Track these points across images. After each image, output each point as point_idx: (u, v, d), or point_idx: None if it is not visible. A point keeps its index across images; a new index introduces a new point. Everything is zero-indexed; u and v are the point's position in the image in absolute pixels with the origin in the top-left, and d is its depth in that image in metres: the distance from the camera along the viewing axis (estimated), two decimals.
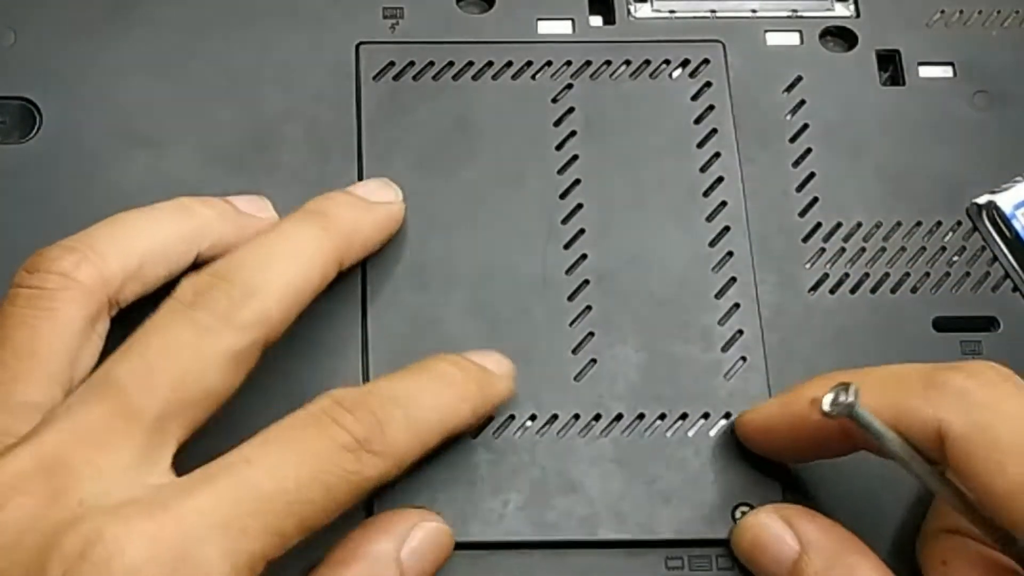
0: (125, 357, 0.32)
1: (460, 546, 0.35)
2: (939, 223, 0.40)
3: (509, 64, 0.42)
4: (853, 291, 0.39)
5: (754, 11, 0.43)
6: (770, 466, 0.37)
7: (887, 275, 0.40)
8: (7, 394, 0.32)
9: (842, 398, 0.31)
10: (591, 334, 0.38)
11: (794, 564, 0.33)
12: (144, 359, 0.32)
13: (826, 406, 0.31)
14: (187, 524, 0.29)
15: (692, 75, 0.42)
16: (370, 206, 0.38)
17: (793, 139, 0.41)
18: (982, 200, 0.41)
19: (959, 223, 0.41)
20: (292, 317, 0.34)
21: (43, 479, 0.29)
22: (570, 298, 0.38)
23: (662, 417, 0.37)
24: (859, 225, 0.40)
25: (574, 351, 0.38)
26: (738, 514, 0.36)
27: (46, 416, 0.31)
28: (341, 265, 0.36)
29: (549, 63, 0.42)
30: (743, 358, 0.38)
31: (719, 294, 0.39)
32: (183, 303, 0.33)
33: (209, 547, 0.29)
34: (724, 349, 0.38)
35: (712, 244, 0.39)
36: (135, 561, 0.28)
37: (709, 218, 0.40)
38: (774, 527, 0.34)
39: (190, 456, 0.32)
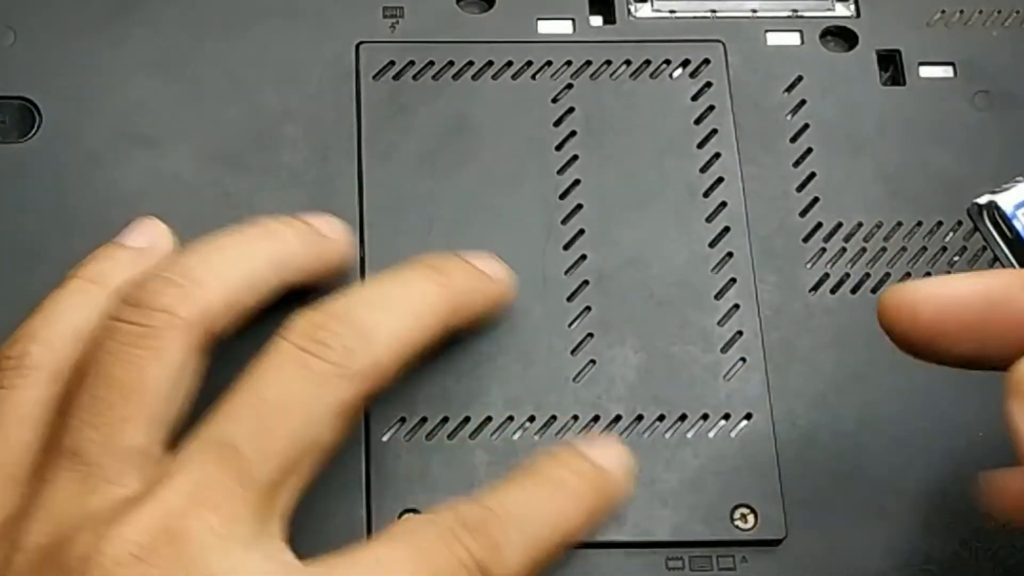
0: (239, 413, 0.31)
1: None
2: (940, 223, 0.40)
3: (509, 64, 0.42)
4: (854, 291, 0.39)
5: (754, 11, 0.43)
6: (769, 467, 0.37)
7: (888, 275, 0.40)
8: (114, 437, 0.31)
9: None
10: (590, 335, 0.38)
11: None
12: (259, 418, 0.31)
13: None
14: None
15: (692, 75, 0.42)
16: (484, 277, 0.37)
17: (793, 139, 0.41)
18: (983, 200, 0.40)
19: (960, 223, 0.40)
20: (400, 370, 0.34)
21: (167, 548, 0.29)
22: (569, 299, 0.38)
23: (661, 418, 0.37)
24: (860, 225, 0.40)
25: (573, 352, 0.38)
26: (736, 515, 0.36)
27: (160, 473, 0.31)
28: (447, 328, 0.35)
29: (549, 63, 0.42)
30: (742, 359, 0.38)
31: (719, 295, 0.39)
32: (296, 346, 0.32)
33: None
34: (723, 350, 0.38)
35: (712, 245, 0.39)
36: None
37: (709, 218, 0.40)
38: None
39: None
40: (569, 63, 0.42)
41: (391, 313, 0.34)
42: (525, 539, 0.33)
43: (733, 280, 0.39)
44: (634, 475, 0.35)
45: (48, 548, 0.30)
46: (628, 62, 0.42)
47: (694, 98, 0.41)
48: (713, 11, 0.43)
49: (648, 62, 0.42)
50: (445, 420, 0.37)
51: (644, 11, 0.43)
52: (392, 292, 0.35)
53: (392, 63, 0.41)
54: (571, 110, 0.41)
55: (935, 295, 0.30)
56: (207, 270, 0.34)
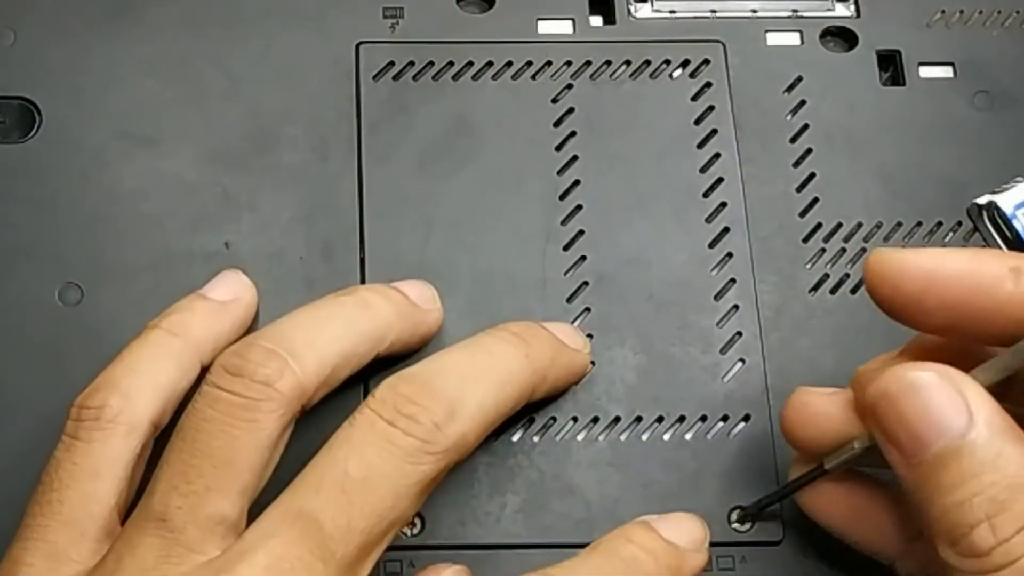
0: (323, 487, 0.31)
1: (458, 547, 0.36)
2: (939, 223, 0.40)
3: (509, 64, 0.41)
4: (854, 291, 0.39)
5: (754, 11, 0.43)
6: (767, 469, 0.37)
7: None
8: (199, 505, 0.31)
9: None
10: (589, 336, 0.38)
11: (959, 438, 0.28)
12: (344, 493, 0.31)
13: None
14: None
15: (692, 75, 0.42)
16: (565, 348, 0.36)
17: (793, 139, 0.41)
18: (983, 200, 0.40)
19: (959, 223, 0.40)
20: (479, 442, 0.34)
21: None
22: (569, 300, 0.38)
23: (660, 420, 0.37)
24: (859, 225, 0.40)
25: None
26: (734, 517, 0.36)
27: (242, 545, 0.31)
28: (529, 399, 0.35)
29: (549, 63, 0.42)
30: (741, 360, 0.38)
31: (718, 296, 0.39)
32: (383, 420, 0.32)
33: None
34: (723, 351, 0.38)
35: (712, 245, 0.39)
36: None
37: (709, 219, 0.40)
38: (945, 389, 0.29)
39: None
40: (569, 63, 0.42)
41: (479, 385, 0.33)
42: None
43: (733, 281, 0.39)
44: (707, 547, 0.35)
45: None
46: (628, 62, 0.42)
47: (694, 98, 0.41)
48: (713, 11, 0.43)
49: (648, 62, 0.42)
50: None
51: (644, 11, 0.43)
52: (479, 362, 0.34)
53: (392, 63, 0.41)
54: (571, 110, 0.41)
55: (922, 268, 0.30)
56: (308, 344, 0.34)
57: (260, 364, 0.33)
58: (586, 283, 0.39)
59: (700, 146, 0.41)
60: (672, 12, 0.43)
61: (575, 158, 0.40)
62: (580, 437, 0.37)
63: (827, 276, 0.40)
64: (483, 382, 0.33)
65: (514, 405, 0.34)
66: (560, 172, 0.40)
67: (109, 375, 0.34)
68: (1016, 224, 0.40)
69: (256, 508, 0.32)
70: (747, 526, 0.36)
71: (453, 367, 0.34)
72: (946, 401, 0.28)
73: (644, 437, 0.37)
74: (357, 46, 0.42)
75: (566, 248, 0.39)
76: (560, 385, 0.37)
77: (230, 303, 0.36)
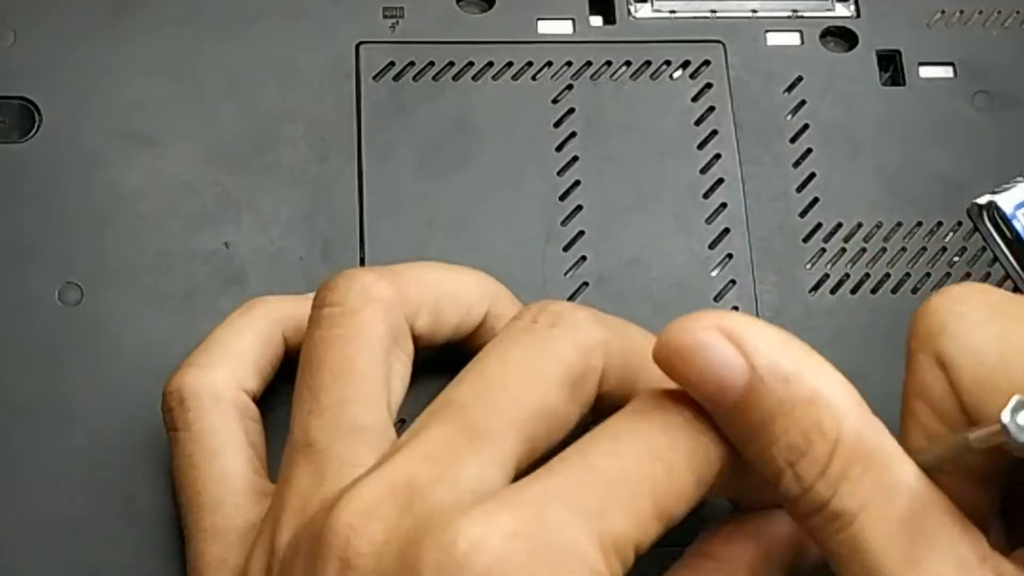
0: (465, 379, 0.31)
1: None
2: (940, 223, 0.40)
3: (509, 64, 0.42)
4: (854, 291, 0.39)
5: (754, 11, 0.43)
6: None
7: (888, 275, 0.40)
8: (338, 417, 0.31)
9: None
10: None
11: (745, 391, 0.27)
12: (483, 377, 0.31)
13: (1018, 434, 0.24)
14: (545, 512, 0.27)
15: (693, 76, 0.42)
16: None
17: (793, 139, 0.41)
18: (983, 200, 0.40)
19: (960, 223, 0.41)
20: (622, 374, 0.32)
21: (393, 502, 0.28)
22: (569, 300, 0.38)
23: None
24: (860, 225, 0.40)
25: None
26: None
27: (393, 446, 0.30)
28: None
29: (549, 63, 0.42)
30: None
31: (718, 296, 0.39)
32: (523, 322, 0.31)
33: (572, 531, 0.27)
34: None
35: (712, 246, 0.39)
36: (500, 555, 0.26)
37: (709, 220, 0.40)
38: (718, 343, 0.27)
39: None
40: (569, 63, 0.42)
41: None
42: None
43: (733, 282, 0.39)
44: None
45: (298, 539, 0.30)
46: (628, 63, 0.42)
47: (694, 99, 0.41)
48: (713, 11, 0.43)
49: (648, 63, 0.42)
50: None
51: (644, 11, 0.43)
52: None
53: (392, 63, 0.41)
54: (571, 111, 0.41)
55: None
56: (407, 269, 0.35)
57: (354, 276, 0.33)
58: (586, 284, 0.39)
59: (700, 147, 0.41)
60: (672, 12, 0.43)
61: (575, 159, 0.40)
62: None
63: (827, 276, 0.40)
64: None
65: None
66: (560, 173, 0.40)
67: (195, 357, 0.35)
68: (1016, 224, 0.40)
69: None
70: None
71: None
72: (723, 354, 0.27)
73: None
74: (357, 46, 0.42)
75: (566, 249, 0.39)
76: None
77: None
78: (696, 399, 0.28)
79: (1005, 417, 0.24)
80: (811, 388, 0.27)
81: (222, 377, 0.34)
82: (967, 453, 0.27)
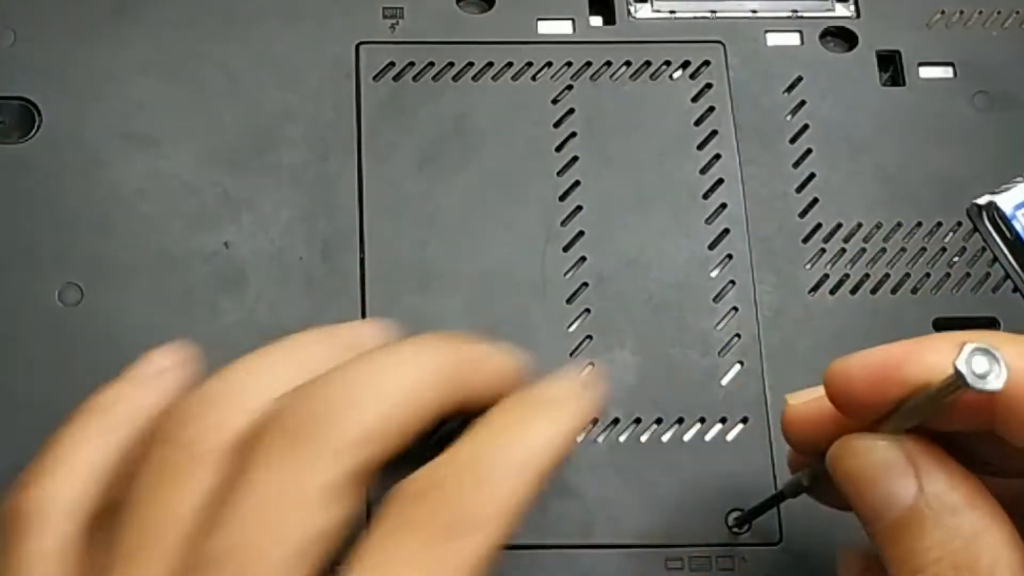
0: (228, 519, 0.30)
1: None
2: (939, 224, 0.40)
3: (509, 64, 0.41)
4: (853, 292, 0.39)
5: (754, 11, 0.43)
6: (765, 470, 0.37)
7: (887, 276, 0.40)
8: None
9: (986, 366, 0.25)
10: (589, 337, 0.38)
11: (908, 510, 0.28)
12: (248, 518, 0.29)
13: (969, 376, 0.25)
14: None
15: (692, 76, 0.42)
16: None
17: (793, 140, 0.41)
18: (982, 201, 0.40)
19: (959, 224, 0.41)
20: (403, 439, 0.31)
21: None
22: (568, 301, 0.38)
23: (658, 422, 0.37)
24: (859, 226, 0.40)
25: (571, 354, 0.38)
26: (731, 520, 0.36)
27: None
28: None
29: (549, 64, 0.42)
30: (740, 362, 0.38)
31: (717, 297, 0.39)
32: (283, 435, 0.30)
33: None
34: (721, 353, 0.38)
35: (711, 247, 0.39)
36: None
37: (709, 220, 0.40)
38: (893, 462, 0.28)
39: None
40: (569, 64, 0.42)
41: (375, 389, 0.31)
42: None
43: (732, 282, 0.39)
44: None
45: None
46: (628, 63, 0.42)
47: (694, 99, 0.41)
48: (713, 11, 0.43)
49: (648, 63, 0.42)
50: (444, 421, 0.37)
51: (644, 11, 0.43)
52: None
53: (392, 64, 0.41)
54: (571, 111, 0.41)
55: (873, 363, 0.29)
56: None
57: (204, 414, 0.31)
58: (586, 284, 0.39)
59: (700, 147, 0.41)
60: (672, 12, 0.43)
61: (575, 159, 0.40)
62: (579, 438, 0.37)
63: (827, 276, 0.40)
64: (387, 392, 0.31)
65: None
66: (560, 173, 0.40)
67: (32, 470, 0.33)
68: (1016, 224, 0.40)
69: None
70: (745, 528, 0.36)
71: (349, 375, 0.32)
72: (894, 472, 0.28)
73: (643, 439, 0.37)
74: (357, 46, 0.42)
75: (566, 249, 0.39)
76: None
77: (162, 373, 0.35)
78: (853, 501, 0.29)
79: (960, 365, 0.25)
80: (978, 525, 0.27)
81: (66, 499, 0.32)
82: (930, 410, 0.27)
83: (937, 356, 0.27)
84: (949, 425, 0.28)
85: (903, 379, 0.28)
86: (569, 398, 0.33)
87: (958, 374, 0.25)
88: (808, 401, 0.31)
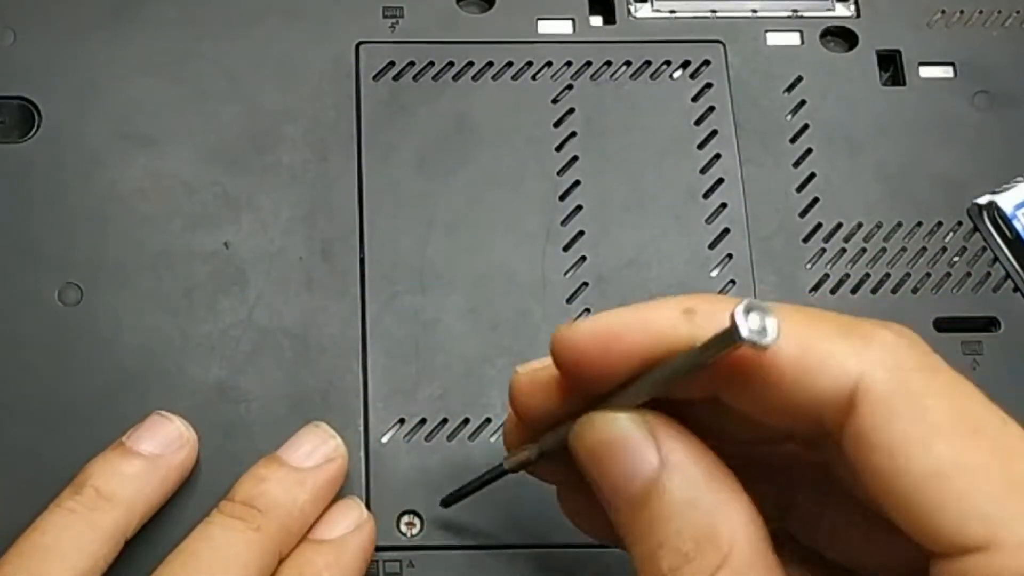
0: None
1: (458, 547, 0.36)
2: (940, 223, 0.40)
3: (509, 64, 0.41)
4: (854, 291, 0.40)
5: (754, 11, 0.43)
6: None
7: (888, 275, 0.40)
8: None
9: (759, 323, 0.25)
10: None
11: (649, 483, 0.27)
12: None
13: (745, 330, 0.25)
14: None
15: (692, 76, 0.42)
16: (305, 483, 0.35)
17: (793, 139, 0.41)
18: (983, 200, 0.40)
19: (960, 223, 0.41)
20: None
21: None
22: (569, 300, 0.39)
23: None
24: (860, 225, 0.40)
25: None
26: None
27: None
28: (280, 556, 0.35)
29: (549, 63, 0.42)
30: None
31: None
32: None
33: None
34: None
35: (712, 246, 0.39)
36: None
37: (709, 220, 0.40)
38: (635, 434, 0.28)
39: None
40: (569, 63, 0.42)
41: None
42: None
43: (732, 282, 0.39)
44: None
45: None
46: (628, 63, 0.42)
47: (694, 99, 0.41)
48: (713, 11, 0.43)
49: (648, 63, 0.42)
50: (444, 422, 0.37)
51: (644, 11, 0.43)
52: (202, 562, 0.34)
53: (392, 63, 0.41)
54: (571, 111, 0.41)
55: (600, 330, 0.28)
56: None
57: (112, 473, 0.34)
58: (586, 284, 0.39)
59: (700, 147, 0.41)
60: (672, 12, 0.43)
61: (575, 159, 0.40)
62: None
63: (827, 276, 0.40)
64: None
65: None
66: (560, 173, 0.40)
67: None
68: (1016, 224, 0.40)
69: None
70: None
71: None
72: (637, 446, 0.27)
73: None
74: (357, 46, 0.42)
75: (566, 249, 0.39)
76: (320, 507, 0.35)
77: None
78: (596, 476, 0.28)
79: (738, 315, 0.25)
80: (717, 499, 0.27)
81: None
82: (698, 366, 0.26)
83: (663, 322, 0.27)
84: (682, 392, 0.28)
85: (629, 345, 0.27)
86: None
87: (734, 329, 0.25)
88: (537, 370, 0.30)
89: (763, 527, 0.27)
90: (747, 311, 0.25)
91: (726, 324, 0.25)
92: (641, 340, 0.27)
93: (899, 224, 0.40)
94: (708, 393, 0.27)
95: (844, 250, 0.40)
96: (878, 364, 0.26)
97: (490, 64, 0.41)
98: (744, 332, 0.24)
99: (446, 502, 0.36)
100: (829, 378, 0.26)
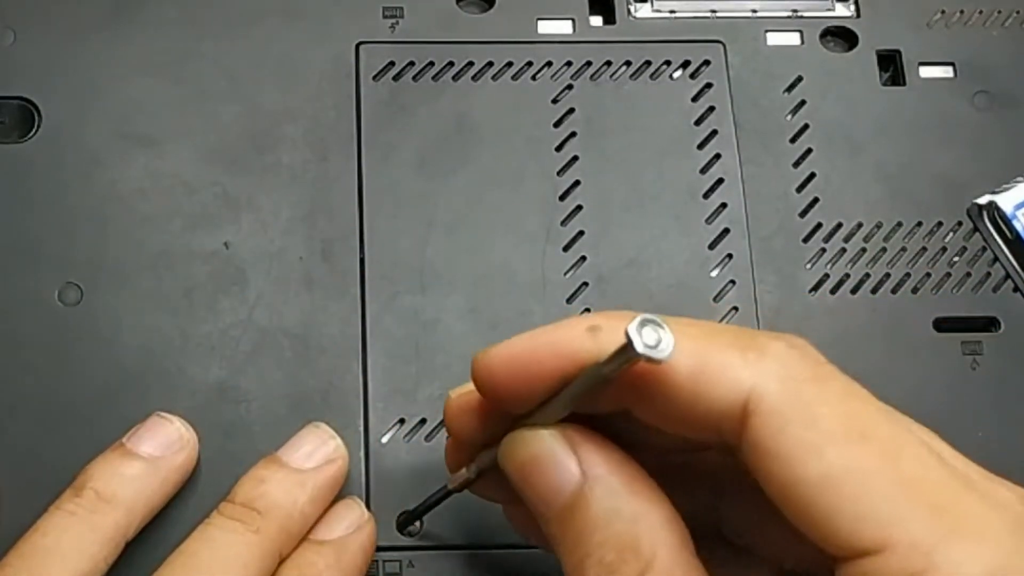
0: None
1: (458, 547, 0.36)
2: (940, 223, 0.40)
3: (509, 64, 0.41)
4: (854, 291, 0.39)
5: (754, 11, 0.43)
6: None
7: (888, 275, 0.40)
8: None
9: (655, 337, 0.26)
10: None
11: (573, 496, 0.28)
12: None
13: (640, 345, 0.25)
14: None
15: (692, 76, 0.42)
16: (306, 484, 0.35)
17: (793, 139, 0.41)
18: (983, 200, 0.40)
19: (960, 223, 0.41)
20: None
21: None
22: (569, 300, 0.39)
23: None
24: (860, 225, 0.40)
25: None
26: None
27: None
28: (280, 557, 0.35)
29: (549, 63, 0.42)
30: None
31: (717, 297, 0.39)
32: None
33: None
34: None
35: (712, 246, 0.39)
36: None
37: (709, 220, 0.40)
38: (556, 450, 0.29)
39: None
40: (569, 63, 0.42)
41: None
42: None
43: (733, 282, 0.39)
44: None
45: None
46: (628, 63, 0.42)
47: (694, 99, 0.41)
48: (713, 11, 0.43)
49: (648, 63, 0.42)
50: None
51: (644, 11, 0.43)
52: (202, 562, 0.34)
53: (392, 63, 0.41)
54: (571, 111, 0.41)
55: (511, 353, 0.29)
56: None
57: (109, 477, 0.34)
58: (586, 284, 0.39)
59: (700, 147, 0.41)
60: (672, 12, 0.43)
61: (575, 159, 0.40)
62: None
63: (827, 276, 0.40)
64: None
65: None
66: (560, 173, 0.40)
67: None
68: (1016, 224, 0.40)
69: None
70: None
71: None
72: (559, 460, 0.28)
73: None
74: (357, 46, 0.42)
75: (566, 249, 0.39)
76: (320, 509, 0.36)
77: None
78: (524, 493, 0.29)
79: (632, 331, 0.25)
80: (638, 508, 0.27)
81: None
82: (603, 382, 0.27)
83: (571, 341, 0.28)
84: (595, 407, 0.28)
85: (540, 366, 0.28)
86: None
87: (629, 344, 0.25)
88: (466, 393, 0.31)
89: (684, 533, 0.27)
90: (642, 326, 0.25)
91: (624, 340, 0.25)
92: (552, 360, 0.28)
93: (899, 224, 0.40)
94: (619, 407, 0.28)
95: (844, 250, 0.40)
96: (770, 375, 0.26)
97: (490, 64, 0.41)
98: (639, 347, 0.25)
99: (401, 524, 0.36)
100: (723, 390, 0.26)
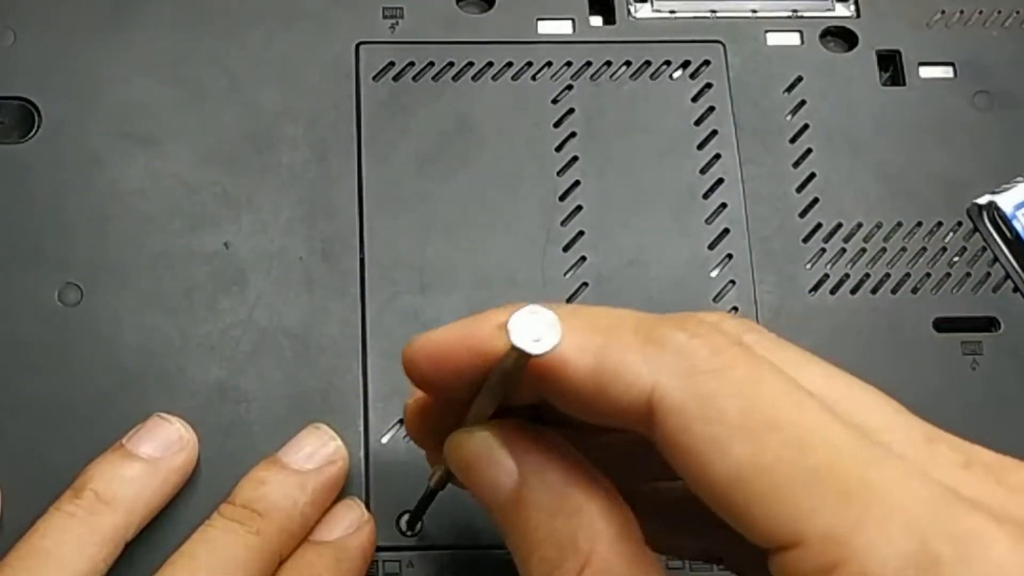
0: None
1: (458, 547, 0.36)
2: (940, 223, 0.40)
3: (509, 64, 0.41)
4: (854, 292, 0.39)
5: (754, 11, 0.43)
6: None
7: (888, 275, 0.40)
8: None
9: (538, 332, 0.25)
10: None
11: (513, 494, 0.28)
12: None
13: (517, 338, 0.25)
14: None
15: (692, 76, 0.42)
16: (305, 486, 0.35)
17: (793, 140, 0.41)
18: (983, 200, 0.40)
19: (960, 223, 0.41)
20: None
21: None
22: (569, 301, 0.39)
23: None
24: (859, 225, 0.40)
25: None
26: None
27: None
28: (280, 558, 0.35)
29: (549, 63, 0.42)
30: None
31: (717, 297, 0.39)
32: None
33: None
34: None
35: (711, 246, 0.39)
36: None
37: (709, 220, 0.40)
38: (491, 449, 0.28)
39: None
40: (569, 64, 0.42)
41: None
42: None
43: (732, 282, 0.39)
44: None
45: None
46: (628, 63, 0.42)
47: (694, 99, 0.41)
48: (713, 11, 0.43)
49: (648, 63, 0.42)
50: None
51: (644, 11, 0.43)
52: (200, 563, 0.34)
53: (392, 64, 0.41)
54: (571, 111, 0.41)
55: (428, 345, 0.29)
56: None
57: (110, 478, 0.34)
58: (586, 284, 0.39)
59: (700, 147, 0.41)
60: (672, 12, 0.43)
61: (575, 159, 0.40)
62: None
63: (827, 276, 0.40)
64: None
65: None
66: (560, 173, 0.40)
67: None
68: (1016, 224, 0.40)
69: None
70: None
71: None
72: (495, 459, 0.28)
73: None
74: (357, 46, 0.42)
75: (566, 249, 0.39)
76: (320, 510, 0.36)
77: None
78: (471, 492, 0.29)
79: (512, 324, 0.25)
80: (575, 502, 0.27)
81: None
82: (507, 377, 0.27)
83: (483, 336, 0.27)
84: (522, 398, 0.28)
85: (456, 361, 0.28)
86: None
87: (508, 337, 0.25)
88: (420, 396, 0.31)
89: (627, 522, 0.27)
90: (525, 319, 0.25)
91: None
92: (466, 355, 0.28)
93: (899, 224, 0.40)
94: (538, 399, 0.28)
95: (844, 250, 0.40)
96: (671, 371, 0.26)
97: (490, 64, 0.41)
98: (515, 340, 0.25)
99: (411, 525, 0.36)
100: (624, 387, 0.26)
